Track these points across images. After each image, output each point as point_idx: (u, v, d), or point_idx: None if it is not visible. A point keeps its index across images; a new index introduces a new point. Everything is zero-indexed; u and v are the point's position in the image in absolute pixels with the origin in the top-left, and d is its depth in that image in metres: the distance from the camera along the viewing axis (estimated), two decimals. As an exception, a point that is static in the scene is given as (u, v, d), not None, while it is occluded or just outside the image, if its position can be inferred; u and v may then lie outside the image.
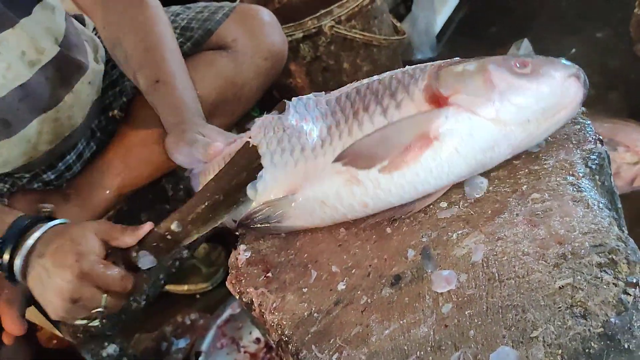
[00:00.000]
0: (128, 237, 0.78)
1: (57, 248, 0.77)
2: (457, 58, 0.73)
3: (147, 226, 0.79)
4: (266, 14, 1.23)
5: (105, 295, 0.77)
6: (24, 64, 0.97)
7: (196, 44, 1.18)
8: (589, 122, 0.72)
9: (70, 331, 1.16)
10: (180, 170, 1.26)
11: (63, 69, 1.02)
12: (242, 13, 1.21)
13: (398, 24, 1.78)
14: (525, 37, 1.68)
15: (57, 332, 1.26)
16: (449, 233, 0.66)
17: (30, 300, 1.08)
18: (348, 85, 0.77)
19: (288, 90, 1.72)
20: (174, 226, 0.77)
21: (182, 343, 1.39)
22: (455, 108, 0.66)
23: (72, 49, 1.04)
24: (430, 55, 1.94)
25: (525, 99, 0.65)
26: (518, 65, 0.66)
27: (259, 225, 0.75)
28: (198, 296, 1.55)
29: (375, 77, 0.75)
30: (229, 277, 0.78)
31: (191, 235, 0.77)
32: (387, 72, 0.75)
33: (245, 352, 1.34)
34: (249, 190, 0.76)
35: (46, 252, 0.77)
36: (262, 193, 0.75)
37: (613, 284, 0.55)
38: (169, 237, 0.77)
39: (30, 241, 0.79)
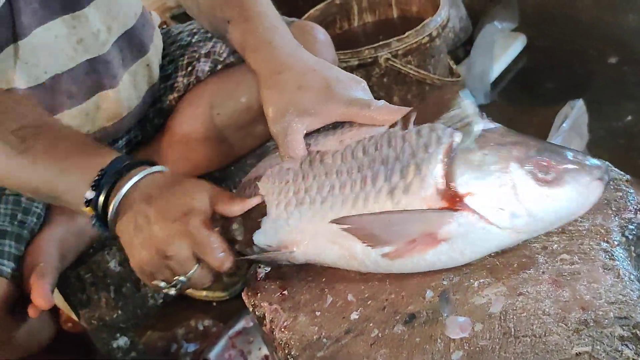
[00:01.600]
0: (236, 206, 0.74)
1: (167, 197, 0.71)
2: (479, 127, 0.66)
3: (256, 199, 0.75)
4: (321, 33, 1.24)
5: (198, 265, 0.71)
6: (95, 40, 1.00)
7: None
8: (632, 190, 0.71)
9: (86, 317, 1.18)
10: (218, 174, 1.28)
11: (127, 49, 1.06)
12: (298, 28, 1.23)
13: (454, 67, 1.78)
14: (582, 97, 1.65)
15: (74, 316, 1.27)
16: (471, 280, 0.65)
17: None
18: (355, 128, 0.75)
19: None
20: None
21: (191, 347, 1.39)
22: (469, 215, 0.63)
23: (138, 31, 1.08)
24: (482, 102, 1.92)
25: (544, 213, 0.62)
26: (542, 171, 0.62)
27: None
28: (215, 304, 1.55)
29: (384, 131, 0.71)
30: (245, 288, 0.78)
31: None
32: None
33: (252, 367, 1.33)
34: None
35: (154, 198, 0.71)
36: (259, 242, 0.74)
37: (633, 359, 0.53)
38: None
39: (129, 184, 0.73)
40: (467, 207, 0.63)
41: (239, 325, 1.36)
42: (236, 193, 0.84)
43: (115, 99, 1.07)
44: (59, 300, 1.23)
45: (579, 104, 1.50)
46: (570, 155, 0.63)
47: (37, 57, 0.96)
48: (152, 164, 0.78)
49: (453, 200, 0.63)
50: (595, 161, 0.63)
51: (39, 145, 0.78)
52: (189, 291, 1.60)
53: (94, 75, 1.02)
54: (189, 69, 1.19)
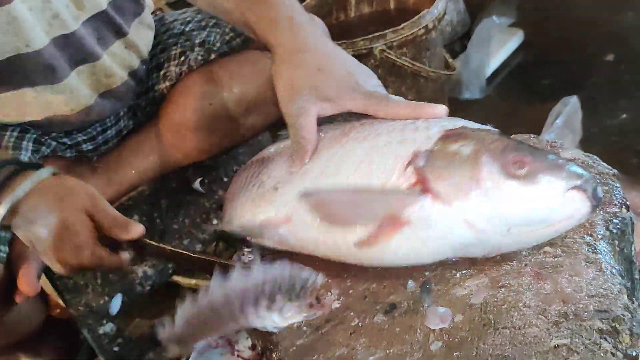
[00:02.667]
0: (119, 233, 0.78)
1: (53, 232, 0.76)
2: (468, 124, 0.68)
3: (139, 230, 0.79)
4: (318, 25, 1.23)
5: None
6: (70, 15, 0.99)
7: (245, 40, 1.19)
8: (618, 185, 0.70)
9: (72, 303, 1.17)
10: (209, 162, 1.27)
11: (102, 27, 1.05)
12: None
13: (450, 60, 1.77)
14: (578, 94, 1.65)
15: (62, 302, 1.27)
16: (453, 271, 0.64)
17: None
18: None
19: (329, 106, 1.72)
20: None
21: (178, 335, 1.39)
22: (432, 200, 0.61)
23: (118, 11, 1.06)
24: (477, 96, 1.91)
25: (508, 208, 0.59)
26: (515, 165, 0.59)
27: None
28: (203, 293, 1.54)
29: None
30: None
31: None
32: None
33: (238, 356, 1.32)
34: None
35: (34, 203, 0.76)
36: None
37: (611, 353, 0.52)
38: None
39: (17, 193, 0.76)
40: (431, 190, 0.61)
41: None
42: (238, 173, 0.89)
43: (92, 75, 1.05)
44: (47, 286, 1.22)
45: (573, 101, 1.49)
46: (552, 157, 0.60)
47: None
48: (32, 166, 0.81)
49: (421, 182, 0.62)
50: (581, 170, 0.59)
51: None
52: (179, 279, 1.59)
53: (68, 50, 1.01)
54: (182, 58, 1.18)
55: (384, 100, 0.73)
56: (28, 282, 0.92)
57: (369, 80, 0.77)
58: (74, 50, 1.01)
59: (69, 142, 1.12)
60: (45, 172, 0.79)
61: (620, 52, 1.93)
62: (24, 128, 1.05)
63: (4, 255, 0.97)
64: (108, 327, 1.23)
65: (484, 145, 0.62)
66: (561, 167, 0.59)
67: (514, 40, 2.07)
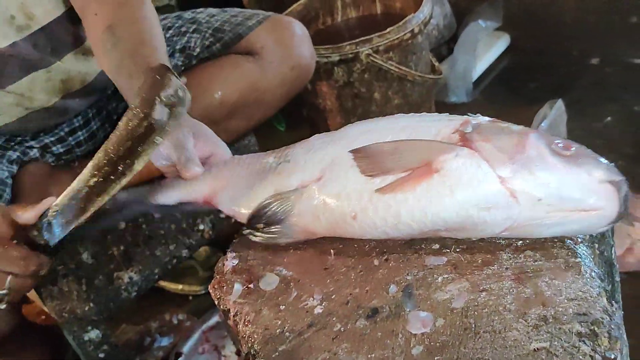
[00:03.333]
0: (28, 213, 0.77)
1: None
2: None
3: (48, 201, 0.77)
4: (298, 27, 1.24)
5: (10, 277, 0.77)
6: (11, 27, 0.97)
7: (225, 46, 1.19)
8: (598, 188, 0.70)
9: (57, 309, 1.16)
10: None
11: (54, 39, 1.03)
12: (274, 23, 1.23)
13: (436, 64, 1.77)
14: (563, 97, 1.66)
15: (46, 309, 1.26)
16: (435, 275, 0.64)
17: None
18: None
19: (317, 110, 1.73)
20: (66, 201, 0.74)
21: (165, 341, 1.38)
22: (470, 151, 0.63)
23: (74, 20, 1.04)
24: (464, 100, 1.92)
25: (547, 176, 0.60)
26: (560, 145, 0.62)
27: (263, 228, 0.75)
28: (191, 298, 1.54)
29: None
30: (212, 281, 0.78)
31: (87, 211, 0.74)
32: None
33: (225, 361, 1.33)
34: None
35: None
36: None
37: (590, 356, 0.52)
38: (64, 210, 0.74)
39: None
40: (473, 147, 0.63)
41: (213, 320, 1.35)
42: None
43: (48, 80, 1.04)
44: (32, 292, 1.21)
45: (558, 104, 1.50)
46: (592, 152, 0.63)
47: None
48: None
49: (464, 142, 0.64)
50: (620, 173, 0.61)
51: None
52: (166, 284, 1.58)
53: (17, 58, 0.99)
54: None
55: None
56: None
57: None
58: (19, 60, 1.00)
59: (36, 145, 1.11)
60: None
61: (605, 56, 1.95)
62: None
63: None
64: (93, 334, 1.22)
65: (534, 129, 0.65)
66: (602, 161, 0.62)
67: (500, 44, 2.08)
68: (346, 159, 0.70)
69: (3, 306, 0.79)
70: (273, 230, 0.75)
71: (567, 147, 0.62)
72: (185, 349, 1.32)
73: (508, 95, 1.95)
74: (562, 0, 2.02)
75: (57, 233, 0.75)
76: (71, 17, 1.04)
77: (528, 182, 0.60)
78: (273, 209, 0.74)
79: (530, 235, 0.64)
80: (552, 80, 1.95)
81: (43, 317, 1.48)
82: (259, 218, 0.75)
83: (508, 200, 0.61)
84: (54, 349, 1.38)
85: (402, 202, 0.65)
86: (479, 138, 0.64)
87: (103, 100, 1.19)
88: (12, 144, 1.09)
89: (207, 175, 0.83)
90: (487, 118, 0.69)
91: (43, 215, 0.77)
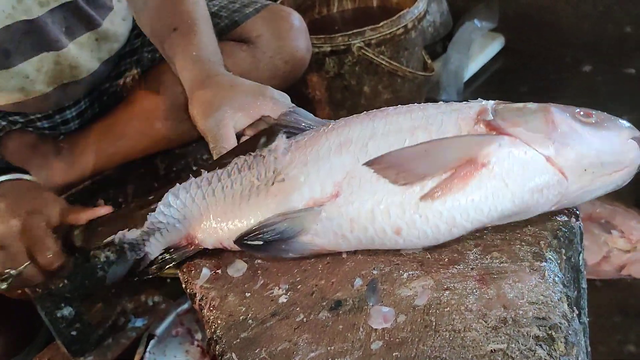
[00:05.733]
0: (81, 214, 0.78)
1: (19, 197, 0.76)
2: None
3: (104, 209, 0.78)
4: (296, 19, 1.23)
5: (29, 262, 0.77)
6: (34, 1, 0.97)
7: (220, 32, 1.18)
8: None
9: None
10: (179, 150, 1.26)
11: (71, 17, 1.03)
12: (272, 12, 1.22)
13: (429, 61, 1.77)
14: (552, 103, 1.66)
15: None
16: (401, 271, 0.64)
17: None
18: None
19: (306, 100, 1.72)
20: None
21: (139, 322, 1.37)
22: (511, 138, 0.63)
23: (90, 3, 1.04)
24: (454, 99, 1.92)
25: (586, 148, 0.62)
26: (582, 114, 0.64)
27: (260, 243, 0.68)
28: (169, 280, 1.53)
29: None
30: (182, 265, 0.77)
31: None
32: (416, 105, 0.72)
33: (198, 345, 1.32)
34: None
35: (6, 196, 0.77)
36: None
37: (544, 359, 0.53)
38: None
39: None
40: (508, 134, 0.63)
41: (188, 304, 1.35)
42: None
43: (56, 64, 1.04)
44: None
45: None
46: (610, 115, 0.66)
47: None
48: (21, 171, 0.83)
49: (493, 129, 0.64)
50: (636, 128, 0.65)
51: None
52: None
53: (31, 36, 0.99)
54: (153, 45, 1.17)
55: (290, 107, 0.78)
56: None
57: (278, 93, 0.82)
58: (36, 37, 0.99)
59: (21, 120, 1.10)
60: (24, 176, 0.82)
61: (598, 64, 1.95)
62: None
63: None
64: (66, 311, 1.21)
65: (547, 104, 0.66)
66: (620, 120, 0.65)
67: (495, 45, 2.08)
68: (364, 171, 0.65)
69: (3, 286, 0.78)
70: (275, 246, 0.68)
71: (588, 114, 0.64)
72: (159, 331, 1.31)
73: (498, 97, 1.92)
74: (559, 6, 2.02)
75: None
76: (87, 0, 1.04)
77: (571, 156, 0.62)
78: (279, 229, 0.67)
79: (575, 203, 0.67)
80: (543, 85, 1.95)
81: (19, 291, 1.47)
82: (256, 236, 0.68)
83: (558, 177, 0.63)
84: (28, 324, 1.37)
85: (454, 206, 0.62)
86: (508, 124, 0.64)
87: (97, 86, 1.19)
88: None
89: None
90: (491, 101, 0.69)
91: (92, 221, 0.77)
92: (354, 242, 0.67)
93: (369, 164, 0.64)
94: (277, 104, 0.78)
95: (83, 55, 1.07)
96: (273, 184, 0.70)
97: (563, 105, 0.66)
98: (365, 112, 0.74)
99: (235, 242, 0.69)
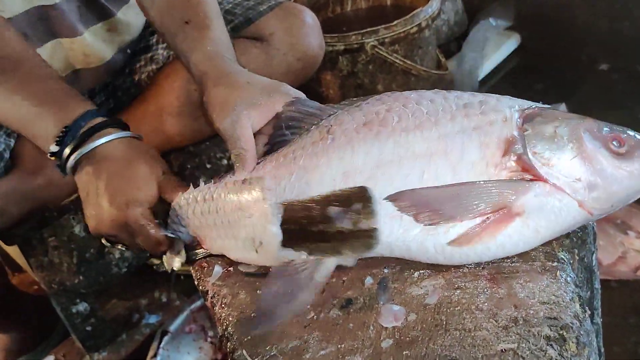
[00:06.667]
0: (179, 189, 0.78)
1: (116, 181, 0.76)
2: (527, 103, 0.66)
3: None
4: (309, 16, 1.23)
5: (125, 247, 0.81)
6: None
7: (234, 29, 1.19)
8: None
9: (46, 280, 1.17)
10: (193, 147, 1.27)
11: (85, 6, 1.04)
12: (286, 10, 1.22)
13: (443, 60, 1.76)
14: (569, 102, 1.65)
15: (36, 278, 1.27)
16: (412, 270, 0.64)
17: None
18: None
19: (319, 99, 1.72)
20: None
21: (153, 319, 1.39)
22: (546, 186, 0.60)
23: None
24: (469, 98, 1.91)
25: (617, 187, 0.61)
26: (615, 143, 0.61)
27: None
28: (182, 277, 1.55)
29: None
30: (196, 263, 0.78)
31: None
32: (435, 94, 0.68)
33: (211, 342, 1.33)
34: None
35: (104, 177, 0.76)
36: None
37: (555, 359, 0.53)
38: None
39: (89, 147, 0.78)
40: (542, 177, 0.60)
41: (202, 301, 1.36)
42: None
43: (70, 50, 1.05)
44: (22, 261, 1.22)
45: (561, 109, 1.50)
46: (638, 134, 0.63)
47: None
48: (122, 125, 0.81)
49: (525, 170, 0.61)
50: None
51: (16, 80, 0.82)
52: (158, 262, 1.59)
53: (47, 22, 1.00)
54: None
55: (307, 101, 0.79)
56: None
57: (293, 90, 0.81)
58: (51, 23, 1.01)
59: None
60: (123, 134, 0.81)
61: (614, 62, 1.93)
62: None
63: None
64: (81, 307, 1.24)
65: (580, 125, 0.62)
66: None
67: (510, 43, 2.06)
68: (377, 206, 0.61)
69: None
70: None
71: (620, 141, 0.61)
72: (173, 327, 1.32)
73: (513, 96, 1.92)
74: (575, 4, 2.00)
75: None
76: None
77: (603, 197, 0.61)
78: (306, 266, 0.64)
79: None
80: (559, 83, 1.93)
81: (35, 287, 1.49)
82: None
83: (586, 217, 0.62)
84: (45, 320, 1.39)
85: (484, 251, 0.61)
86: (541, 162, 0.61)
87: (109, 79, 1.19)
88: None
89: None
90: (513, 111, 0.64)
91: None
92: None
93: (389, 198, 0.61)
94: (288, 98, 0.78)
95: (97, 43, 1.08)
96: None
97: (594, 125, 0.62)
98: (359, 105, 0.71)
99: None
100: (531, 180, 0.60)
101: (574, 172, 0.60)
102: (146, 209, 0.76)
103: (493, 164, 0.62)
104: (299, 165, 0.70)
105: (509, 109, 0.64)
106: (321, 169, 0.68)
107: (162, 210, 0.79)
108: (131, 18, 1.15)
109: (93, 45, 1.07)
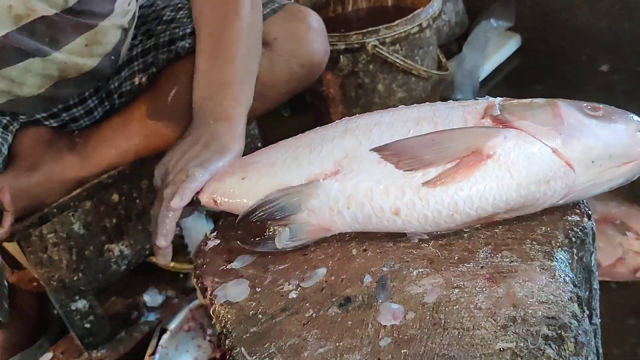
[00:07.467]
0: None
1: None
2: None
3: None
4: (315, 20, 1.19)
5: None
6: (9, 17, 0.92)
7: None
8: (582, 194, 0.70)
9: (45, 277, 1.18)
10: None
11: (54, 28, 0.98)
12: (290, 13, 1.18)
13: (444, 60, 1.76)
14: (559, 98, 1.65)
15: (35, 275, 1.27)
16: (411, 269, 0.65)
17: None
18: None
19: (320, 98, 1.72)
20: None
21: (151, 317, 1.39)
22: (517, 131, 0.64)
23: (81, 12, 1.00)
24: (470, 98, 1.91)
25: (593, 140, 0.63)
26: (589, 108, 0.65)
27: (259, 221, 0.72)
28: (182, 275, 1.55)
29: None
30: (193, 259, 0.78)
31: None
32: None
33: (210, 341, 1.33)
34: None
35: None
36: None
37: (554, 359, 0.53)
38: None
39: None
40: (514, 126, 0.64)
41: (201, 298, 1.36)
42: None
43: (44, 69, 1.01)
44: (23, 258, 1.22)
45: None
46: (618, 109, 0.67)
47: None
48: None
49: (501, 124, 0.65)
50: None
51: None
52: (155, 260, 1.59)
53: (13, 46, 0.95)
54: (171, 46, 1.16)
55: None
56: None
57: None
58: (13, 49, 0.96)
59: (27, 119, 1.10)
60: None
61: (615, 63, 1.93)
62: None
63: None
64: (80, 304, 1.24)
65: (555, 99, 0.67)
66: (627, 113, 0.66)
67: (511, 44, 2.07)
68: (365, 152, 0.68)
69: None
70: (279, 229, 0.71)
71: (595, 108, 0.65)
72: (171, 325, 1.32)
73: (514, 96, 1.93)
74: (575, 5, 2.00)
75: None
76: (77, 10, 0.99)
77: (578, 148, 0.63)
78: (280, 204, 0.70)
79: (584, 196, 0.67)
80: (560, 84, 1.93)
81: (35, 284, 1.49)
82: (261, 211, 0.71)
83: (565, 169, 0.64)
84: (42, 317, 1.39)
85: (458, 193, 0.64)
86: (515, 117, 0.65)
87: (99, 84, 1.18)
88: (5, 114, 1.08)
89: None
90: (499, 98, 0.70)
91: None
92: (349, 219, 0.69)
93: (375, 150, 0.67)
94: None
95: (72, 60, 1.03)
96: (299, 153, 0.74)
97: (570, 100, 0.67)
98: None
99: (238, 222, 0.73)
100: (503, 127, 0.65)
101: (546, 122, 0.64)
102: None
103: (472, 124, 0.67)
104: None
105: (495, 98, 0.71)
106: (328, 129, 0.76)
107: None
108: (115, 24, 1.10)
109: (67, 61, 1.03)
